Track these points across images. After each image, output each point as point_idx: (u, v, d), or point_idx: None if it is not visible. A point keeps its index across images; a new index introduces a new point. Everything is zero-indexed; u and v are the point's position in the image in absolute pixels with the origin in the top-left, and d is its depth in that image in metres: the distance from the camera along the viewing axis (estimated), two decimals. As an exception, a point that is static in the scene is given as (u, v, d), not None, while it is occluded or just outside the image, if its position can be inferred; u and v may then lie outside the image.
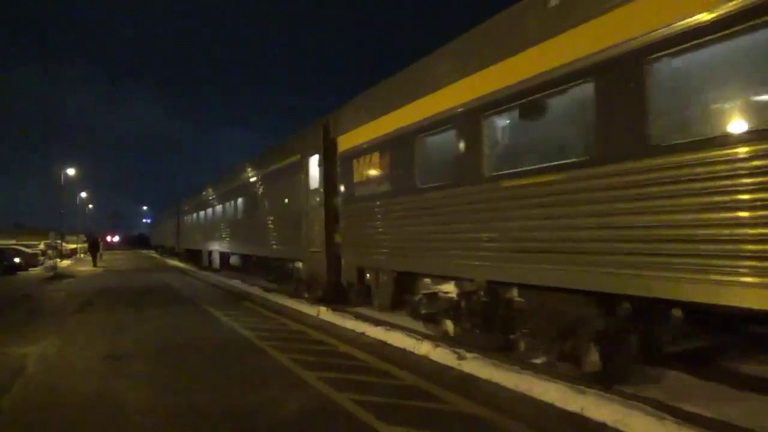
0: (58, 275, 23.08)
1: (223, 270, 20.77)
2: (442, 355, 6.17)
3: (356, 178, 9.17)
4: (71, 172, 37.60)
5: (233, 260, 19.56)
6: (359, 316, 8.94)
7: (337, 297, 10.45)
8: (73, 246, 47.55)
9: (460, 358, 5.90)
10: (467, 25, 6.67)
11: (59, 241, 36.59)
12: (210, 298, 13.45)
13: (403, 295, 8.19)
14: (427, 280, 7.57)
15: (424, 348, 6.49)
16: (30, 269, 26.68)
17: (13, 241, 35.41)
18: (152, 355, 6.88)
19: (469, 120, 6.24)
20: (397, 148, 7.82)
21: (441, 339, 7.00)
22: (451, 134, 6.63)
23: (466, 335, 6.70)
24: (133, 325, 9.30)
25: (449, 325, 7.14)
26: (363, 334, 7.84)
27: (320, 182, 10.60)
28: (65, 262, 33.31)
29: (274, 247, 13.70)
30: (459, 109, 6.43)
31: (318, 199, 10.65)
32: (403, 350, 6.72)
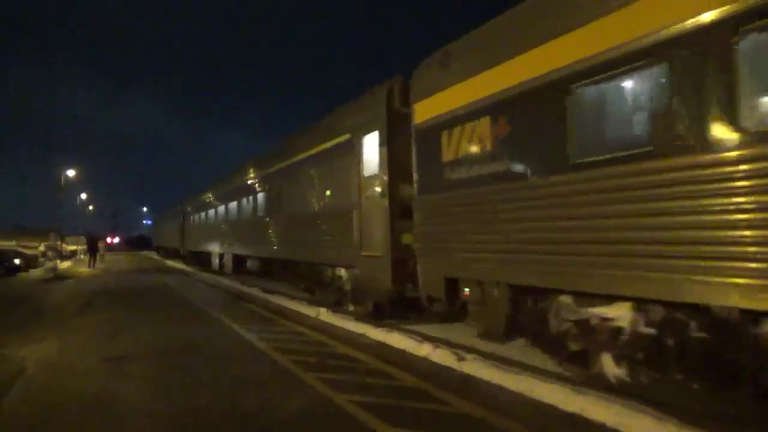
0: (58, 276, 23.08)
1: (238, 274, 18.45)
2: (442, 356, 6.16)
3: (447, 157, 6.71)
4: (71, 173, 37.68)
5: (251, 264, 17.41)
6: (441, 344, 6.76)
7: (395, 311, 8.85)
8: (73, 247, 47.53)
9: (460, 359, 5.90)
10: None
11: (59, 243, 36.58)
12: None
13: (521, 319, 5.95)
14: (567, 300, 5.14)
15: (424, 349, 6.49)
16: (30, 270, 26.67)
17: (14, 243, 35.40)
18: (152, 357, 6.88)
19: (706, 45, 3.84)
20: (532, 107, 5.38)
21: (440, 340, 6.97)
22: (655, 74, 4.25)
23: (659, 388, 4.43)
24: (133, 327, 9.29)
25: (619, 371, 4.74)
26: (363, 335, 7.83)
27: (382, 167, 8.30)
28: (65, 264, 33.28)
29: (309, 250, 11.32)
30: (682, 30, 3.98)
31: (378, 189, 8.37)
32: (404, 351, 6.72)
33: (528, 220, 5.42)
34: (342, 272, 10.15)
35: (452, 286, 6.77)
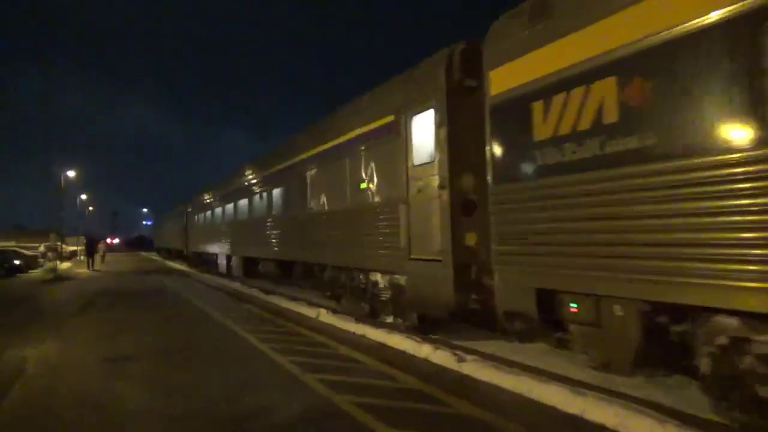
0: (58, 277, 23.08)
1: (249, 278, 17.02)
2: (442, 357, 6.16)
3: (542, 134, 5.25)
4: (71, 174, 37.73)
5: (265, 267, 15.64)
6: (441, 345, 6.64)
7: (439, 324, 7.75)
8: (73, 248, 47.54)
9: (460, 360, 5.90)
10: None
11: (59, 244, 36.58)
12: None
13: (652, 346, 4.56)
14: (732, 322, 3.83)
15: (424, 350, 6.49)
16: (30, 271, 26.69)
17: (13, 243, 35.44)
18: (152, 357, 6.87)
19: None
20: (700, 54, 3.85)
21: (441, 341, 6.94)
22: None
23: None
24: (133, 327, 9.28)
25: None
26: (363, 336, 7.83)
27: (439, 152, 6.85)
28: (65, 265, 33.29)
29: (338, 252, 9.86)
30: None
31: (434, 180, 6.92)
32: (404, 352, 6.72)
33: (690, 214, 3.92)
34: (378, 278, 8.71)
35: (546, 299, 5.32)
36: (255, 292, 14.19)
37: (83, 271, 27.21)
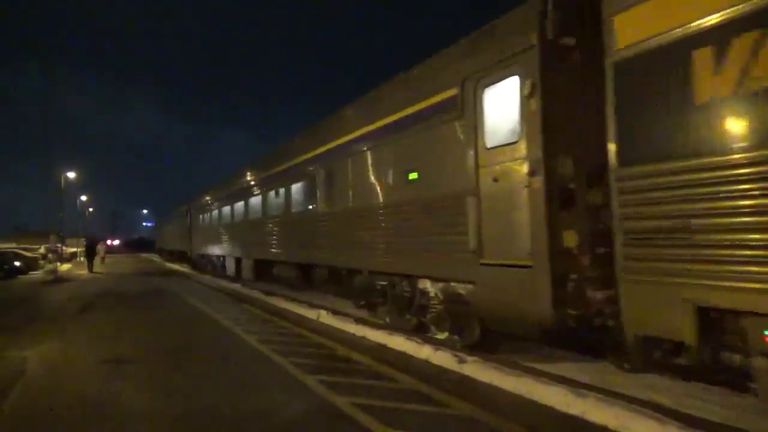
0: (59, 279, 23.08)
1: (261, 282, 15.68)
2: (442, 358, 6.15)
3: (713, 92, 3.98)
4: (71, 175, 37.71)
5: (280, 271, 14.37)
6: (441, 346, 6.29)
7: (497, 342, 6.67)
8: (73, 249, 47.57)
9: (461, 361, 5.88)
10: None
11: (59, 245, 36.59)
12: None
13: None
14: None
15: (424, 351, 6.47)
16: (30, 273, 26.70)
17: (14, 245, 35.44)
18: (152, 359, 6.87)
19: None
20: None
21: (442, 342, 6.91)
22: None
23: None
24: (133, 329, 9.27)
25: None
26: (363, 337, 7.82)
27: (529, 130, 5.53)
28: (65, 266, 33.30)
29: (376, 255, 8.51)
30: None
31: (520, 165, 5.62)
32: (404, 353, 6.70)
33: None
34: (427, 285, 7.47)
35: (709, 321, 4.08)
36: (255, 293, 14.16)
37: (83, 272, 27.19)
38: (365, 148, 9.02)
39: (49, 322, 10.34)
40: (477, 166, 6.24)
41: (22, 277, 24.69)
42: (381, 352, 6.93)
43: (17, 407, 5.00)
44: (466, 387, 5.26)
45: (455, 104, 6.62)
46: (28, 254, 29.34)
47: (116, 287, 18.26)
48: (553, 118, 5.36)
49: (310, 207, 11.53)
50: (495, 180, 5.98)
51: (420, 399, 4.93)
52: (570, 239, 5.29)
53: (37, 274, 26.33)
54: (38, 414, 4.81)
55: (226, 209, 19.68)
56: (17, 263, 25.97)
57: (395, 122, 8.05)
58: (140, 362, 6.68)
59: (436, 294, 7.32)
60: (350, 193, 9.58)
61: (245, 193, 16.96)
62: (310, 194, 11.59)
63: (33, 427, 4.53)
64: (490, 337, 6.66)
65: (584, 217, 5.30)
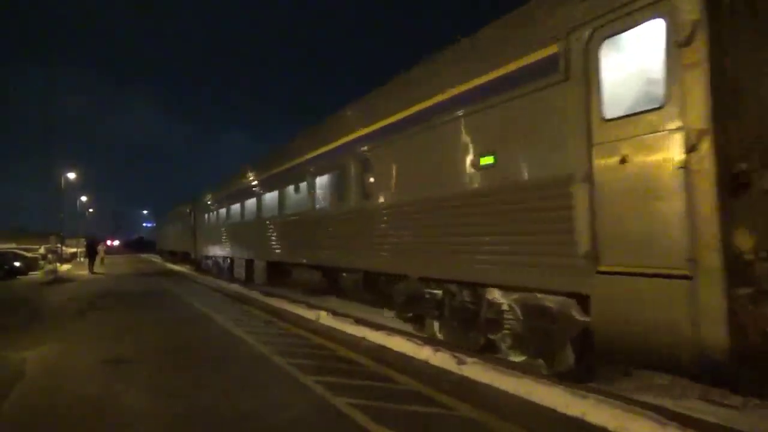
0: (59, 279, 23.06)
1: (274, 286, 14.61)
2: (442, 359, 6.16)
3: None
4: (72, 176, 37.72)
5: (299, 275, 12.74)
6: (441, 347, 5.98)
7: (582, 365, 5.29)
8: (74, 250, 47.56)
9: (461, 362, 5.89)
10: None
11: (59, 245, 36.59)
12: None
13: None
14: None
15: (424, 353, 6.48)
16: (30, 273, 26.71)
17: (14, 245, 35.44)
18: (152, 359, 6.87)
19: None
20: None
21: (441, 343, 6.91)
22: None
23: None
24: (133, 329, 9.27)
25: None
26: (363, 338, 7.82)
27: (684, 92, 4.15)
28: (65, 267, 33.29)
29: (430, 259, 7.15)
30: None
31: (670, 141, 4.23)
32: (404, 355, 6.71)
33: None
34: (497, 296, 6.20)
35: None
36: (255, 294, 14.16)
37: (84, 273, 27.18)
38: (413, 132, 7.59)
39: (49, 322, 10.35)
40: (590, 143, 4.82)
41: (22, 278, 24.69)
42: (381, 352, 6.93)
43: (17, 407, 5.01)
44: (465, 388, 5.27)
45: (554, 65, 5.18)
46: (28, 255, 29.34)
47: (117, 288, 18.25)
48: (721, 73, 4.05)
49: (341, 202, 10.00)
50: (622, 161, 4.55)
51: (420, 400, 4.94)
52: (742, 239, 3.95)
53: (36, 275, 26.32)
54: (38, 414, 4.82)
55: (236, 207, 18.13)
56: (17, 264, 25.98)
57: (458, 97, 6.68)
58: (140, 362, 6.68)
59: (510, 307, 6.06)
60: (386, 187, 8.28)
61: (258, 190, 15.47)
62: (341, 187, 10.03)
63: (33, 427, 4.54)
64: (587, 364, 5.35)
65: (760, 208, 4.01)
